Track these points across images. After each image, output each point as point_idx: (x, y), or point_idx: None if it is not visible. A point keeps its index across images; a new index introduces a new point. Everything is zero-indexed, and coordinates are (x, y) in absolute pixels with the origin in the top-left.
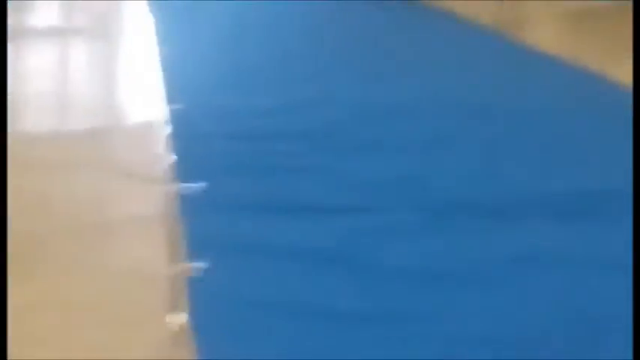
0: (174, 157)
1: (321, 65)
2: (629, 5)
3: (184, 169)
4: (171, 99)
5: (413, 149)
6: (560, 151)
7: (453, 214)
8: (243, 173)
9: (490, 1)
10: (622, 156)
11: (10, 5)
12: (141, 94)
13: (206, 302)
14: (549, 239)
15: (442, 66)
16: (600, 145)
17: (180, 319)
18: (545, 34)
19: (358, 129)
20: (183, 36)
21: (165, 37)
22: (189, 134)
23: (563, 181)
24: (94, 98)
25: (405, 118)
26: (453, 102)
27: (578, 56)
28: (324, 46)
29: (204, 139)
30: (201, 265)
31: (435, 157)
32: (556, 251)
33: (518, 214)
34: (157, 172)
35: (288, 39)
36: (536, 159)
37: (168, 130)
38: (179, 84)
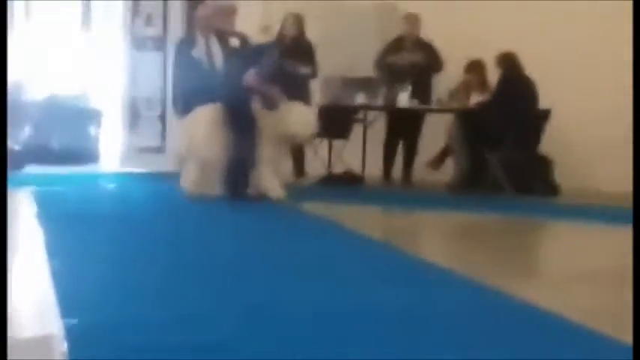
0: None
1: (211, 274)
2: (515, 219)
3: None
4: (65, 313)
5: None
6: None
7: None
8: None
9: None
10: None
11: None
12: (33, 308)
13: None
14: None
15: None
16: None
17: None
18: (435, 247)
19: (259, 342)
20: (73, 248)
21: (56, 249)
22: (86, 349)
23: None
24: None
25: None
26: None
27: (469, 270)
28: (215, 253)
29: (104, 354)
30: None
31: None
32: None
33: None
34: None
35: (179, 249)
36: None
37: (64, 345)
38: (72, 298)
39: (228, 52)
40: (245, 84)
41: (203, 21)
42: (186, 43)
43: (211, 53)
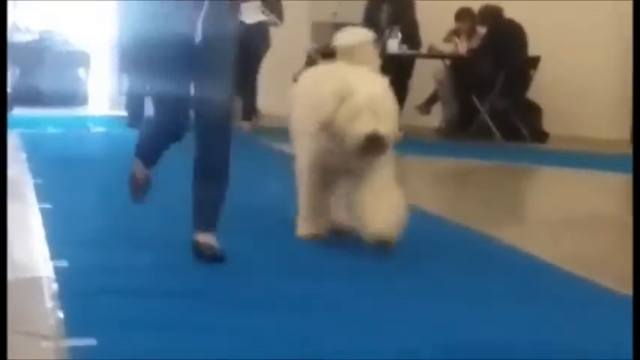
0: (62, 314)
1: None
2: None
3: (73, 326)
4: (54, 255)
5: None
6: None
7: None
8: (138, 329)
9: None
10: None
11: None
12: (24, 251)
13: None
14: None
15: None
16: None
17: None
18: (423, 192)
19: (251, 287)
20: (63, 192)
21: (46, 193)
22: (76, 291)
23: None
24: None
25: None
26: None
27: (456, 215)
28: None
29: (92, 296)
30: None
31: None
32: None
33: None
34: (45, 329)
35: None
36: None
37: (54, 286)
38: (61, 240)
39: None
40: None
41: None
42: None
43: None
